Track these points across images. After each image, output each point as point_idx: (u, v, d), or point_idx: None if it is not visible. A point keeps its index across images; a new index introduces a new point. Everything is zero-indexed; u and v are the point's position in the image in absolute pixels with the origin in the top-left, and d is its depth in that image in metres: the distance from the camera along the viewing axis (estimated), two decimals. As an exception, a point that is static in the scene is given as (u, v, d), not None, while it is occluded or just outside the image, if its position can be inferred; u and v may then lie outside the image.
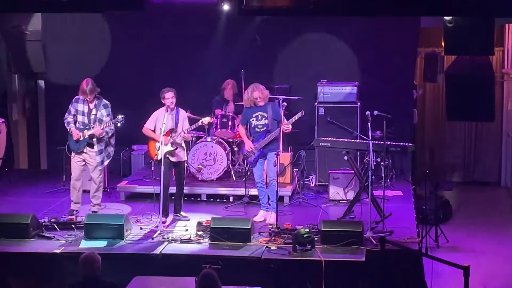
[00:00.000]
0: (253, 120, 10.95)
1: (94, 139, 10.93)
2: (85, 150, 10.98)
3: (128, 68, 14.14)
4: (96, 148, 10.97)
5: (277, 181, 10.77)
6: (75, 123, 10.97)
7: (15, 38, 14.51)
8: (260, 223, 10.81)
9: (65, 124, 11.10)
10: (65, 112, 11.15)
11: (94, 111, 10.94)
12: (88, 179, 12.32)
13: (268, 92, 11.11)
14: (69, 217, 10.72)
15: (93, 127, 10.87)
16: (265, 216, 11.05)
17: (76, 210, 11.13)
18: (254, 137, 11.03)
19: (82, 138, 10.91)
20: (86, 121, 10.95)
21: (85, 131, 10.89)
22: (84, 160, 11.06)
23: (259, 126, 10.95)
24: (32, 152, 15.36)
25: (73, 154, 11.08)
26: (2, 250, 9.83)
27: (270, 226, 10.47)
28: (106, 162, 11.19)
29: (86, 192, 11.52)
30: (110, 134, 11.03)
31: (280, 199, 10.93)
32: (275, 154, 10.71)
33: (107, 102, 11.05)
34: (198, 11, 13.60)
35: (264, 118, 10.90)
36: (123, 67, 14.14)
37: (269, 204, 10.98)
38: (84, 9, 9.27)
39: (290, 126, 10.84)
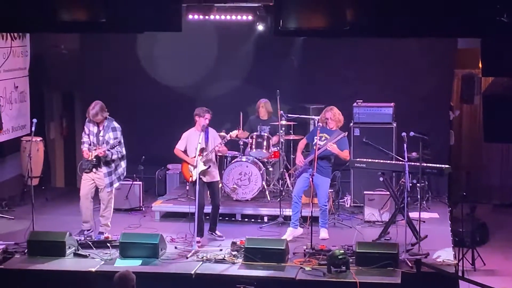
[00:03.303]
0: (316, 138, 10.97)
1: (102, 162, 10.88)
2: (94, 171, 10.96)
3: (162, 87, 14.22)
4: (104, 169, 10.94)
5: (312, 201, 10.76)
6: (90, 144, 10.99)
7: (53, 57, 14.68)
8: (293, 242, 10.80)
9: (81, 145, 11.14)
10: None
11: (102, 133, 10.93)
12: (124, 198, 12.46)
13: (343, 118, 11.19)
14: (79, 237, 10.69)
15: (98, 149, 10.85)
16: (293, 234, 11.05)
17: (87, 230, 11.07)
18: (309, 153, 11.10)
19: (90, 158, 10.91)
20: (95, 141, 10.95)
21: (93, 151, 10.89)
22: (93, 180, 11.03)
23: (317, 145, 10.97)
24: (69, 171, 15.48)
25: (83, 174, 11.06)
26: (38, 268, 9.91)
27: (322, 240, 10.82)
28: (116, 185, 11.11)
29: (120, 210, 11.50)
30: (115, 157, 10.91)
31: (314, 219, 10.89)
32: (309, 174, 10.73)
33: (116, 125, 10.96)
34: (233, 30, 13.67)
35: (325, 140, 10.92)
36: (159, 86, 14.22)
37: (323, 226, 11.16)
38: (122, 30, 9.32)
39: (335, 145, 10.84)
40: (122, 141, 11.00)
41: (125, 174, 11.25)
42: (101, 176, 10.95)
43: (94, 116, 10.86)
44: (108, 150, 10.81)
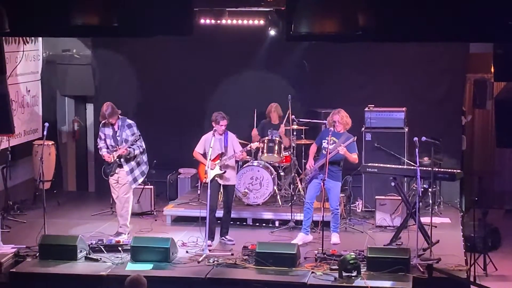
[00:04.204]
0: (324, 142, 10.96)
1: (122, 160, 11.04)
2: (116, 171, 11.10)
3: (174, 91, 14.24)
4: (126, 167, 11.09)
5: (323, 206, 10.75)
6: (107, 148, 11.12)
7: (65, 62, 14.72)
8: (304, 247, 10.78)
9: (99, 151, 11.28)
10: None
11: (118, 133, 11.08)
12: (135, 202, 12.48)
13: (350, 121, 11.15)
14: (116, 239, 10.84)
15: (119, 149, 10.99)
16: (304, 239, 11.03)
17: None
18: (319, 158, 11.05)
19: (112, 160, 11.02)
20: (113, 143, 11.09)
21: (114, 153, 11.02)
22: (117, 181, 11.17)
23: (327, 149, 10.94)
24: (80, 175, 15.52)
25: (109, 177, 11.20)
26: (50, 271, 9.96)
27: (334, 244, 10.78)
28: (140, 180, 11.29)
29: (132, 214, 11.60)
30: (137, 152, 11.07)
31: (326, 224, 10.87)
32: (321, 179, 10.72)
33: (131, 122, 11.16)
34: (245, 34, 13.66)
35: (333, 144, 10.91)
36: (170, 91, 14.25)
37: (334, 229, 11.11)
38: (134, 34, 9.35)
39: (345, 149, 10.83)
40: (140, 134, 11.12)
41: (148, 167, 11.38)
42: (123, 174, 11.08)
43: (110, 115, 10.97)
44: (130, 147, 10.97)
